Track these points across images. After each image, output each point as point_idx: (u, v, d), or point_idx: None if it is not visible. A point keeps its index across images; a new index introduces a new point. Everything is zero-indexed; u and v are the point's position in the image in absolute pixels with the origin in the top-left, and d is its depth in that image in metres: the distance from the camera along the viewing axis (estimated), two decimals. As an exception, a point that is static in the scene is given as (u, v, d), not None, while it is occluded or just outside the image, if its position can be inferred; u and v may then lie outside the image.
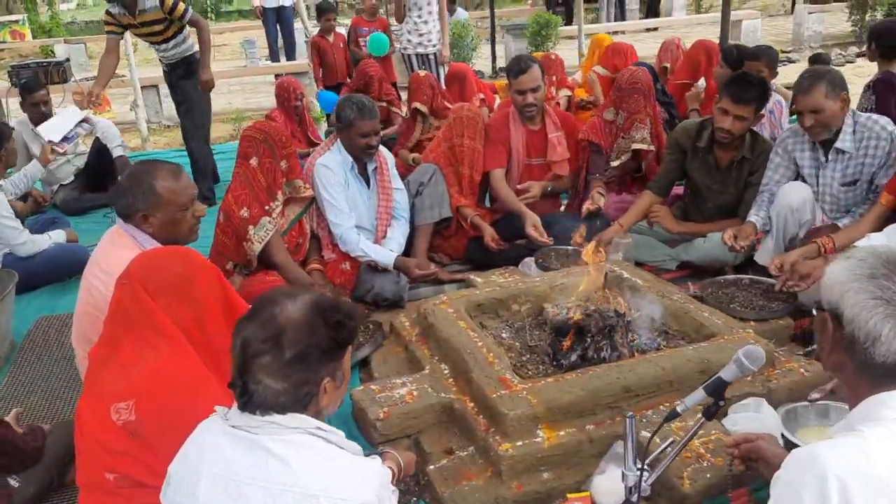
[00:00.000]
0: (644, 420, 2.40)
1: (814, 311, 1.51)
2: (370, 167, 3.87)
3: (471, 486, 2.28)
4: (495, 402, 2.39)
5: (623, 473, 1.91)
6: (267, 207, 3.45)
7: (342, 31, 8.24)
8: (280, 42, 11.73)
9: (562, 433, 2.37)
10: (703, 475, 2.14)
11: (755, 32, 12.41)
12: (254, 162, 3.45)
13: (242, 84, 11.76)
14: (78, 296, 2.60)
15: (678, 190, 4.29)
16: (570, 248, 3.87)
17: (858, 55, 11.28)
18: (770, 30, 13.05)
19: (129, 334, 2.03)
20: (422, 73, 6.20)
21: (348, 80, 7.29)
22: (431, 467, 2.38)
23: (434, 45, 7.47)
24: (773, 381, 2.57)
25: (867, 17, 12.14)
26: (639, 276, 3.28)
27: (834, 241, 3.25)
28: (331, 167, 3.74)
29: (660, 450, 1.93)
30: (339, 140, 3.81)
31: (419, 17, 7.36)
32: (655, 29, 14.65)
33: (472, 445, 2.46)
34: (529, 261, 3.92)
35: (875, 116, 3.43)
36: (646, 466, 1.88)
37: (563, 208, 4.54)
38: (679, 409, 1.84)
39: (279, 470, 1.44)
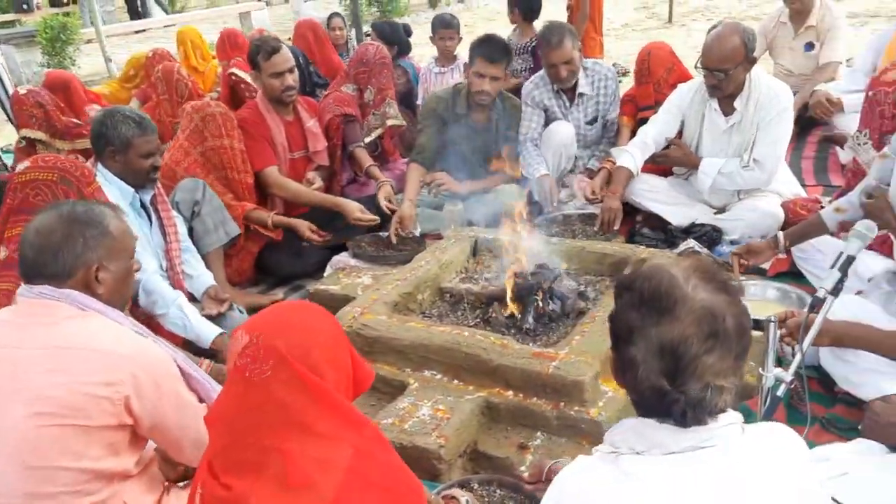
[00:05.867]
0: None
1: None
2: (146, 197, 3.07)
3: (587, 463, 2.17)
4: (558, 376, 2.28)
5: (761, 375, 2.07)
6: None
7: None
8: None
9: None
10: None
11: (264, 21, 12.82)
12: (49, 212, 2.45)
13: None
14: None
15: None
16: (382, 234, 3.74)
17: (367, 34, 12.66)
18: (276, 18, 13.60)
19: (293, 438, 1.40)
20: (21, 90, 5.00)
21: None
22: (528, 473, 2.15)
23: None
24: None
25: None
26: (498, 235, 3.35)
27: (612, 162, 3.82)
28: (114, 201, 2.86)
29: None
30: (101, 168, 2.92)
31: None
32: (144, 30, 14.06)
33: (539, 430, 2.31)
34: (342, 257, 3.65)
35: (600, 61, 4.08)
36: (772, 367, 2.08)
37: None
38: (821, 294, 2.06)
39: (763, 475, 1.24)
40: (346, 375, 1.53)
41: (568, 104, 4.02)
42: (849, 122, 4.38)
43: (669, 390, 1.20)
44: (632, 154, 3.69)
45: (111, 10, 15.28)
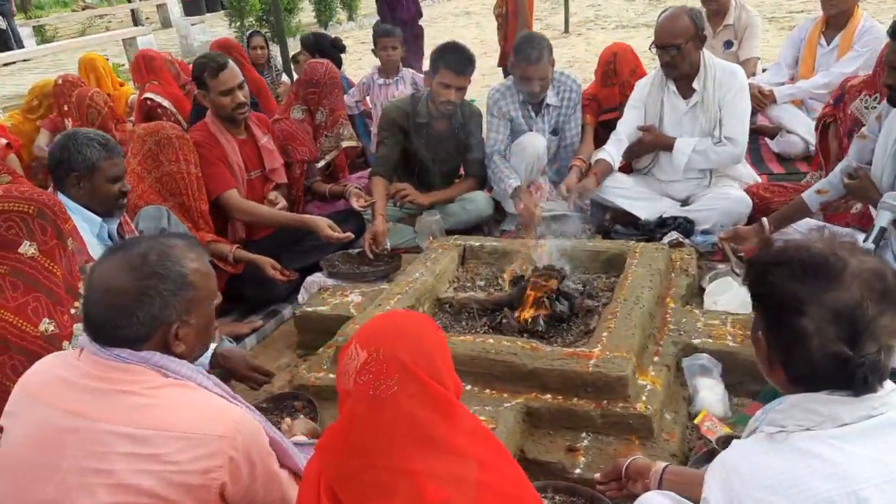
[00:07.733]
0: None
1: None
2: (112, 226, 2.81)
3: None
4: (600, 374, 2.24)
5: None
6: (74, 310, 2.25)
7: None
8: None
9: (653, 374, 2.39)
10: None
11: (151, 46, 12.27)
12: (29, 250, 2.18)
13: None
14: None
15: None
16: (352, 251, 3.61)
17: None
18: (161, 43, 13.02)
19: (421, 456, 1.30)
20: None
21: None
22: (597, 475, 2.06)
23: None
24: (689, 267, 3.03)
25: (245, 23, 13.20)
26: (485, 241, 3.30)
27: (581, 159, 3.84)
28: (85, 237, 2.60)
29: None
30: (63, 198, 2.64)
31: None
32: (14, 62, 13.21)
33: (584, 430, 2.25)
34: (316, 278, 3.49)
35: (566, 71, 4.07)
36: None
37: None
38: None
39: None
40: (457, 384, 1.43)
41: (534, 115, 3.99)
42: (780, 114, 4.62)
43: (851, 356, 1.18)
44: (609, 151, 3.73)
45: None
